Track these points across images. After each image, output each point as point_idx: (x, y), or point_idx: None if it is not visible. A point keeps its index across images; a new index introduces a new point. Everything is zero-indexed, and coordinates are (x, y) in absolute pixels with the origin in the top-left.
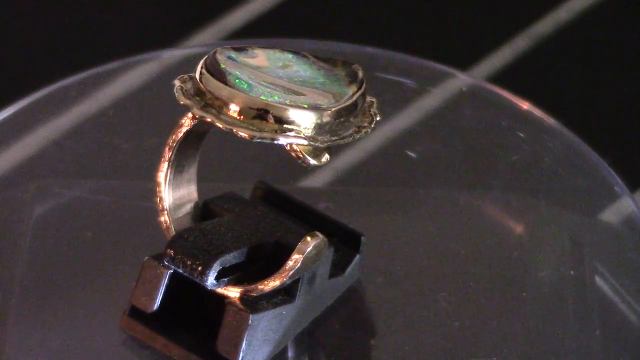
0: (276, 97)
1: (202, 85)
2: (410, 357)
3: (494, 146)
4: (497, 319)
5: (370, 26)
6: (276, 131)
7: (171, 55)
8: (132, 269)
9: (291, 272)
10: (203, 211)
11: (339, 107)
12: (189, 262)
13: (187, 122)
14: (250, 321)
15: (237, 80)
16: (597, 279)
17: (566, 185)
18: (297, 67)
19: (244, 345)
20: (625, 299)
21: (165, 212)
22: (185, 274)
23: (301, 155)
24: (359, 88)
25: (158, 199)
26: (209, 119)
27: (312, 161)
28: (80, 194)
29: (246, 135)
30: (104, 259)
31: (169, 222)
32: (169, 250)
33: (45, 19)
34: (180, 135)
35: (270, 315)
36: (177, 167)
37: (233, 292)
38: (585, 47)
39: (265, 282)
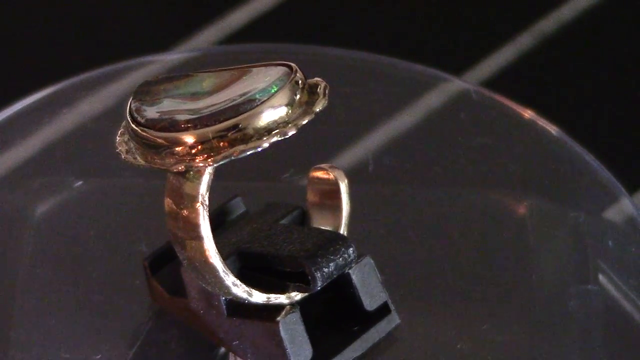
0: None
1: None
2: (409, 356)
3: (494, 149)
4: (499, 318)
5: (370, 29)
6: (304, 113)
7: (172, 57)
8: (135, 267)
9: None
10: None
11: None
12: (340, 257)
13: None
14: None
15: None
16: (601, 278)
17: (568, 187)
18: (195, 81)
19: (381, 283)
20: (630, 297)
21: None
22: (340, 271)
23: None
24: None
25: (220, 270)
26: (250, 149)
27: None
28: (82, 193)
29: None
30: (106, 257)
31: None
32: (317, 273)
33: (49, 19)
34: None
35: None
36: None
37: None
38: (585, 47)
39: (341, 229)
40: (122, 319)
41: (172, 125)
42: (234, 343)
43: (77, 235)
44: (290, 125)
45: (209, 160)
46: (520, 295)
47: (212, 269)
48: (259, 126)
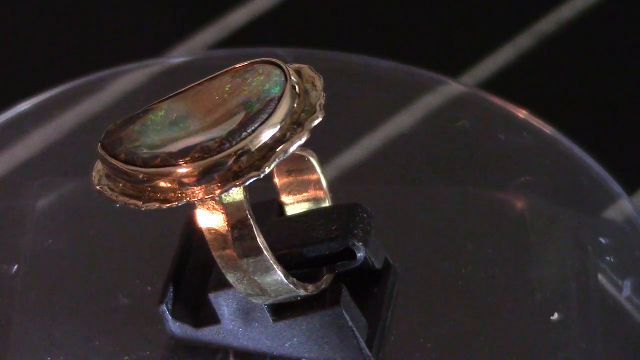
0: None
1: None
2: (411, 352)
3: (493, 149)
4: (499, 317)
5: (368, 32)
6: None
7: (172, 61)
8: (134, 266)
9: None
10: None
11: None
12: (367, 223)
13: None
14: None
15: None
16: (600, 278)
17: (567, 187)
18: (175, 110)
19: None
20: (630, 297)
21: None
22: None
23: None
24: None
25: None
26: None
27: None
28: (82, 193)
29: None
30: (107, 257)
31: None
32: (360, 244)
33: (48, 22)
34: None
35: None
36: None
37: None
38: (584, 47)
39: (327, 203)
40: (123, 319)
41: (203, 152)
42: (286, 345)
43: (77, 236)
44: (317, 110)
45: (262, 169)
46: (520, 295)
47: (275, 277)
48: (293, 121)
